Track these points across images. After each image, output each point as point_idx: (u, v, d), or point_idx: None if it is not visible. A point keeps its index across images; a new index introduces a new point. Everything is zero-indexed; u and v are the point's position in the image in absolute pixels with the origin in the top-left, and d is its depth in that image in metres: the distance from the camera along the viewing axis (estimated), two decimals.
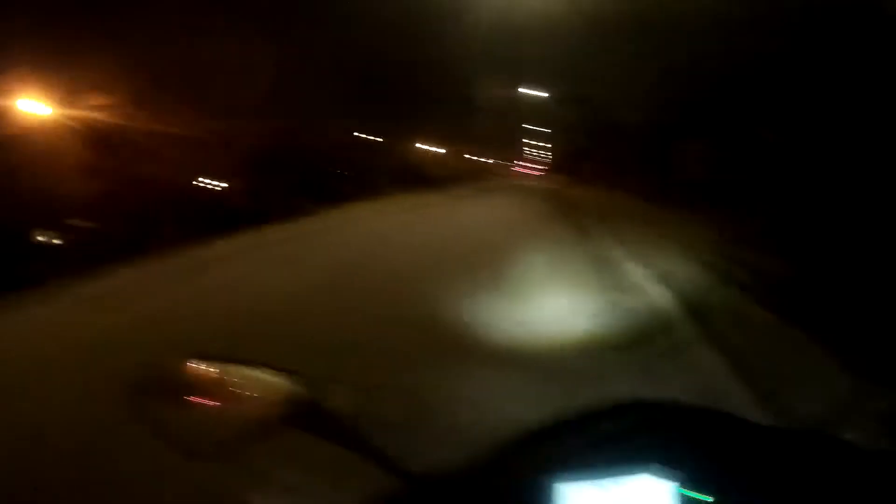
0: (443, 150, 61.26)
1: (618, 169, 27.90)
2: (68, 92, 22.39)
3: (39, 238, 27.13)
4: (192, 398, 1.11)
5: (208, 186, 34.13)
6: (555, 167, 60.26)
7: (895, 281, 6.41)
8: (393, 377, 5.74)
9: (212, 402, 1.11)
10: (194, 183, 32.47)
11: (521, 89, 45.76)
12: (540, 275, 10.75)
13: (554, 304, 8.49)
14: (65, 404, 6.63)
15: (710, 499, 1.00)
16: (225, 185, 34.41)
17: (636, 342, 6.70)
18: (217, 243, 19.02)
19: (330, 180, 41.97)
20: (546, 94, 44.74)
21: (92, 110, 22.95)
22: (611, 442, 1.15)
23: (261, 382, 1.11)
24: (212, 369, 1.13)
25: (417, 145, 55.42)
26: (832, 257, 7.94)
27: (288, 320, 8.23)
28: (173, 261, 17.76)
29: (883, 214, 8.98)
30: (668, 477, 1.01)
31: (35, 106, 22.42)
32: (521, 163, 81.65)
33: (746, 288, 7.91)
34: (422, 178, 55.00)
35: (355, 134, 47.10)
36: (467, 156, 71.78)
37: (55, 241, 26.80)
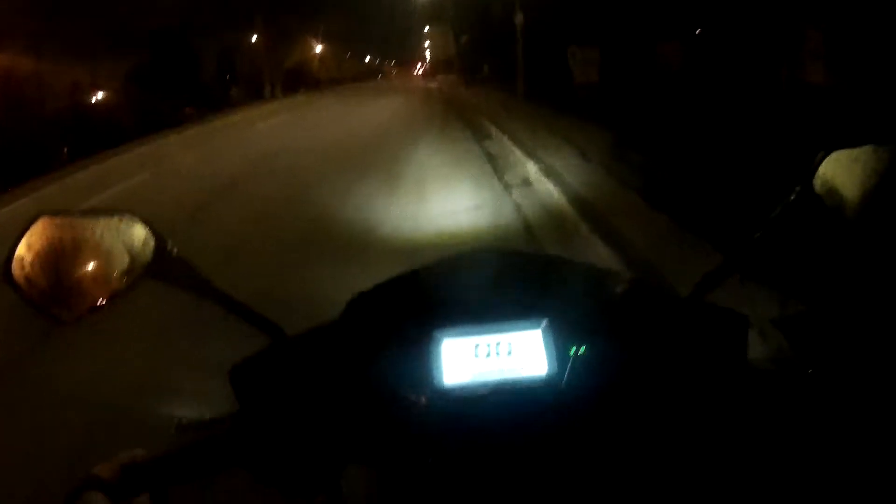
0: (326, 51, 60.81)
1: (508, 70, 27.88)
2: None
3: None
4: (46, 257, 0.99)
5: (91, 102, 33.03)
6: (442, 68, 59.98)
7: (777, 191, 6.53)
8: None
9: (66, 259, 1.00)
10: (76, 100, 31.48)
11: None
12: (428, 171, 10.80)
13: (441, 199, 8.54)
14: None
15: (575, 348, 1.01)
16: (107, 98, 33.33)
17: (526, 233, 6.79)
18: (108, 156, 18.41)
19: (216, 88, 41.32)
20: None
21: None
22: (480, 291, 1.11)
23: (120, 232, 1.00)
24: (66, 221, 1.01)
25: (301, 47, 54.92)
26: (717, 160, 8.11)
27: (189, 222, 8.08)
28: (66, 178, 17.21)
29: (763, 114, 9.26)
30: (536, 327, 1.02)
31: None
32: (406, 63, 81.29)
33: (637, 188, 7.94)
34: (306, 79, 54.89)
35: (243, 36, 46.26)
36: (351, 56, 71.36)
37: None
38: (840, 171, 0.98)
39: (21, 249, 0.98)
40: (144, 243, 1.00)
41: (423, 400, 1.02)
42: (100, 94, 32.98)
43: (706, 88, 12.53)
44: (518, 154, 11.12)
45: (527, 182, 9.24)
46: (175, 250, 1.01)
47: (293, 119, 25.03)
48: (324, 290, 4.81)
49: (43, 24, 27.36)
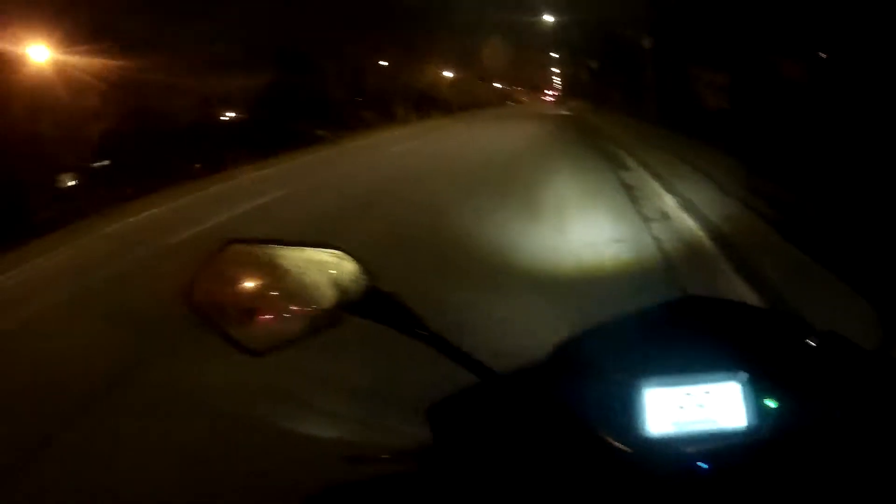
0: (456, 75, 61.23)
1: (635, 95, 27.67)
2: (71, 36, 22.57)
3: (58, 182, 27.73)
4: (241, 286, 1.04)
5: (222, 118, 34.37)
6: (570, 93, 59.72)
7: None
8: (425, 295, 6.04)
9: (263, 289, 1.04)
10: (207, 115, 32.77)
11: (535, 15, 45.37)
12: (566, 200, 10.90)
13: (581, 230, 8.68)
14: (102, 333, 7.08)
15: (774, 402, 1.00)
16: (238, 115, 34.64)
17: (665, 269, 6.81)
18: (241, 173, 19.09)
19: (346, 107, 42.12)
20: (558, 19, 44.35)
21: (96, 54, 23.24)
22: (680, 342, 1.10)
23: (317, 263, 1.03)
24: (261, 250, 1.04)
25: (431, 70, 55.45)
26: (854, 192, 8.04)
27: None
28: (199, 192, 17.96)
29: None
30: (735, 379, 1.02)
31: (42, 52, 22.53)
32: (535, 88, 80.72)
33: (771, 221, 7.97)
34: (438, 103, 55.23)
35: (370, 59, 47.07)
36: (481, 81, 71.39)
37: (72, 183, 27.39)
38: None
39: (208, 276, 1.01)
40: (355, 280, 1.01)
41: (629, 449, 1.01)
42: (231, 112, 34.22)
43: (839, 115, 12.24)
44: (654, 185, 11.24)
45: (665, 216, 9.29)
46: (388, 288, 1.02)
47: (427, 143, 25.38)
48: (469, 318, 5.11)
49: (175, 35, 28.54)
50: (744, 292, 5.78)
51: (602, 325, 1.17)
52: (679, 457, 0.99)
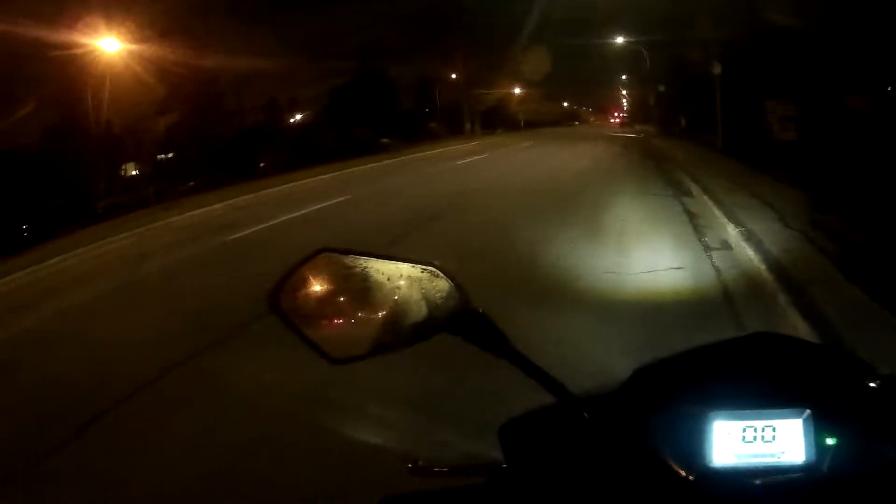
0: (524, 92, 61.11)
1: (702, 122, 27.58)
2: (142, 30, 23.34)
3: (126, 172, 28.66)
4: (329, 294, 1.06)
5: (291, 121, 34.98)
6: (637, 117, 59.47)
7: None
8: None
9: (350, 299, 1.06)
10: (275, 117, 33.40)
11: (608, 37, 45.43)
12: (629, 225, 11.04)
13: (642, 255, 8.78)
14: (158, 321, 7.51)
15: (834, 440, 1.01)
16: (305, 119, 35.22)
17: (723, 299, 6.88)
18: (311, 175, 19.36)
19: (414, 119, 42.39)
20: (629, 41, 44.37)
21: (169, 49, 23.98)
22: (751, 375, 1.13)
23: (409, 278, 1.04)
24: (352, 261, 1.05)
25: (500, 86, 55.50)
26: None
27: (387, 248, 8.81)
28: (262, 191, 18.22)
29: None
30: (799, 416, 1.04)
31: (112, 44, 23.15)
32: (603, 110, 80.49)
33: (833, 257, 7.95)
34: (505, 119, 55.24)
35: (440, 72, 47.25)
36: (549, 99, 71.35)
37: (138, 173, 28.27)
38: None
39: (296, 282, 1.02)
40: (447, 298, 1.02)
41: (693, 477, 1.02)
42: (298, 116, 34.83)
43: None
44: (718, 214, 11.23)
45: (727, 245, 9.35)
46: (481, 309, 1.03)
47: (492, 158, 25.54)
48: (530, 338, 4.92)
49: (252, 36, 29.25)
50: (800, 328, 5.79)
51: (675, 355, 1.19)
52: (740, 488, 1.02)
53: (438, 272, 1.04)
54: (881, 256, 7.50)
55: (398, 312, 1.02)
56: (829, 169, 13.19)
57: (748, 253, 8.60)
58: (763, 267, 7.88)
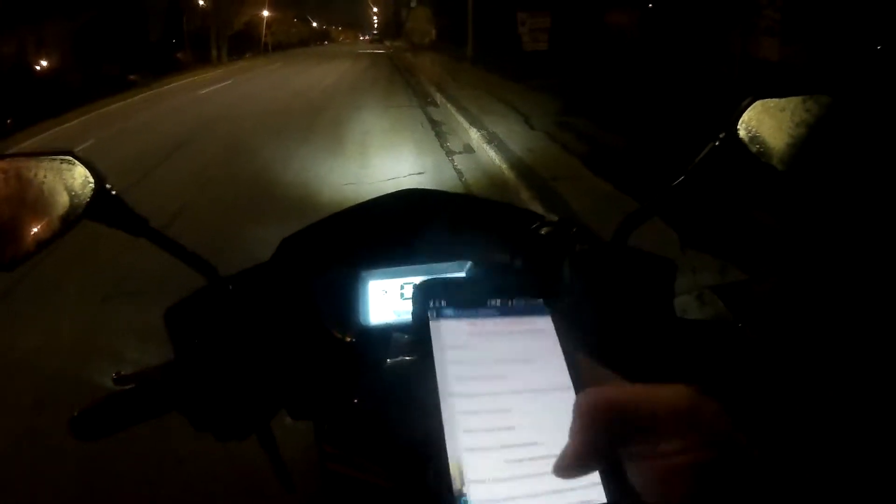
0: (273, 15, 59.92)
1: (457, 35, 27.73)
2: None
3: None
4: None
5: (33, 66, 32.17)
6: (387, 33, 59.68)
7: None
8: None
9: (11, 203, 0.96)
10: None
11: None
12: (371, 136, 10.73)
13: (383, 164, 8.54)
14: None
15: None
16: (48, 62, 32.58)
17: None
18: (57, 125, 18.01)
19: (162, 50, 40.53)
20: None
21: None
22: (405, 232, 1.13)
23: (61, 173, 0.98)
24: (5, 165, 0.97)
25: (248, 10, 53.92)
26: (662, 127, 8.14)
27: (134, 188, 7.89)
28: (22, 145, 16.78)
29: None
30: (459, 268, 1.08)
31: None
32: (352, 27, 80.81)
33: (578, 154, 8.01)
34: (253, 43, 54.09)
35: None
36: (298, 21, 70.48)
37: None
38: (766, 118, 0.96)
39: None
40: (84, 184, 0.98)
41: (351, 339, 1.05)
42: (45, 61, 32.23)
43: (654, 61, 12.64)
44: (461, 121, 11.05)
45: (469, 149, 9.23)
46: (114, 191, 0.99)
47: (236, 84, 24.69)
48: (264, 250, 4.80)
49: None
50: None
51: (322, 220, 1.17)
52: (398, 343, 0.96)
53: (74, 160, 0.95)
54: (628, 153, 7.58)
55: (47, 206, 0.96)
56: (579, 78, 13.44)
57: (490, 154, 8.42)
58: (505, 166, 7.70)
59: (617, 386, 0.48)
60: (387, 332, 0.99)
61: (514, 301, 0.58)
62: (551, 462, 0.46)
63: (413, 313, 0.54)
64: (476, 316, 0.56)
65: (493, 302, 0.57)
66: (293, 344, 1.06)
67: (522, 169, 7.44)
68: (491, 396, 0.50)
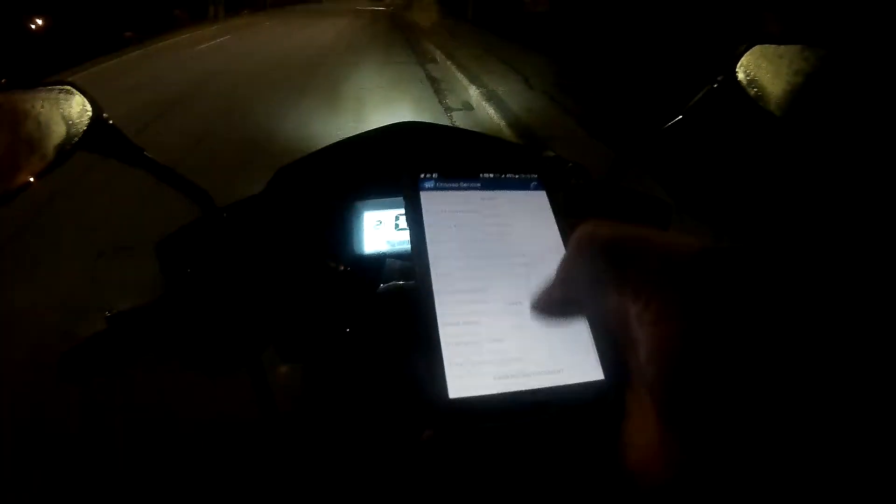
0: None
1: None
2: None
3: None
4: None
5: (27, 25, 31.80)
6: None
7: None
8: None
9: (7, 133, 0.95)
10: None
11: None
12: (369, 92, 10.65)
13: (380, 119, 8.36)
14: None
15: None
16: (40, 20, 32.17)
17: None
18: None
19: (158, 6, 40.09)
20: None
21: None
22: (391, 164, 1.02)
23: (59, 103, 0.98)
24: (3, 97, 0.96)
25: None
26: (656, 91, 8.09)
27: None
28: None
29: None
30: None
31: None
32: None
33: (574, 114, 7.99)
34: (253, 2, 53.56)
35: None
36: None
37: None
38: (765, 64, 0.96)
39: None
40: (82, 112, 0.99)
41: (344, 267, 1.05)
42: (39, 20, 31.84)
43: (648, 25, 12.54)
44: (461, 79, 10.97)
45: (468, 106, 9.18)
46: (110, 120, 0.99)
47: (235, 40, 24.52)
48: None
49: None
50: None
51: (318, 150, 1.19)
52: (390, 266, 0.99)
53: (72, 89, 0.97)
54: (627, 116, 7.45)
55: (43, 136, 0.95)
56: (582, 39, 13.34)
57: (489, 112, 8.36)
58: (503, 124, 7.65)
59: (619, 224, 0.44)
60: (380, 259, 1.02)
61: (508, 175, 0.56)
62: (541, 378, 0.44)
63: (403, 184, 0.53)
64: (467, 188, 0.54)
65: (485, 175, 0.55)
66: (286, 273, 1.06)
67: (520, 127, 7.39)
68: (478, 286, 0.48)
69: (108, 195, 5.46)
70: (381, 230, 1.10)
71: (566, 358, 0.45)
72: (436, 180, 0.54)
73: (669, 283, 0.38)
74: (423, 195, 0.52)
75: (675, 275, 0.39)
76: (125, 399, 2.85)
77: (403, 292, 0.96)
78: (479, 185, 0.55)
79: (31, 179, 0.92)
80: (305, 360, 1.11)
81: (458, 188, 0.54)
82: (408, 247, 0.98)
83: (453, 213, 0.52)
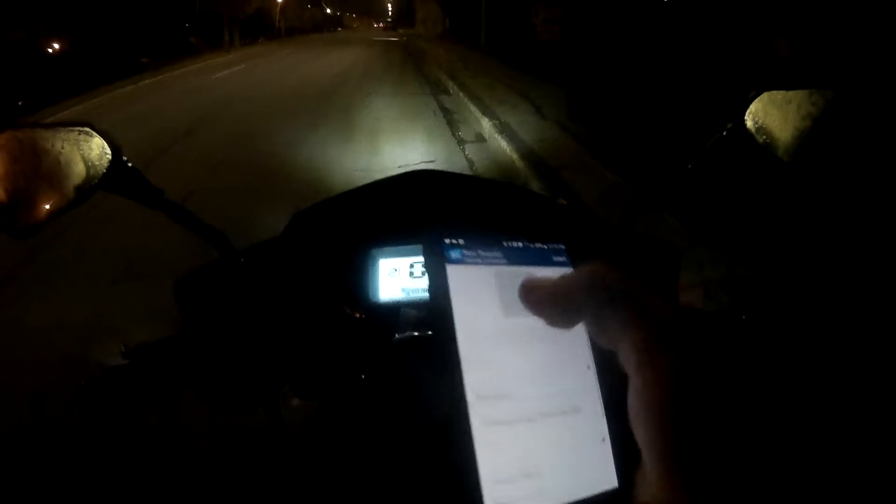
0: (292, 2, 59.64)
1: (471, 24, 27.64)
2: None
3: None
4: (8, 173, 0.97)
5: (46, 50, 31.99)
6: (400, 21, 59.40)
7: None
8: None
9: (28, 172, 0.98)
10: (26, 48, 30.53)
11: None
12: (382, 123, 10.68)
13: (394, 151, 8.54)
14: None
15: None
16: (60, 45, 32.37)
17: None
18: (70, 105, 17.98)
19: (174, 34, 40.34)
20: None
21: None
22: (417, 211, 1.12)
23: (78, 144, 0.99)
24: (23, 134, 0.97)
25: None
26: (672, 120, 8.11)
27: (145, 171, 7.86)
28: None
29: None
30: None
31: None
32: (367, 14, 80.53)
33: (586, 143, 7.99)
34: (266, 28, 53.82)
35: None
36: (311, 7, 70.13)
37: None
38: (773, 110, 0.97)
39: None
40: (101, 155, 1.00)
41: (360, 315, 1.06)
42: (56, 44, 32.05)
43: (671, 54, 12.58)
44: (473, 110, 11.01)
45: (481, 138, 9.21)
46: (130, 163, 1.00)
47: (249, 68, 24.59)
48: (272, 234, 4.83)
49: None
50: None
51: (336, 197, 1.18)
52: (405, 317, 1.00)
53: (91, 131, 0.97)
54: (641, 145, 7.46)
55: (63, 176, 0.97)
56: (592, 68, 13.39)
57: (501, 144, 8.37)
58: (516, 156, 7.66)
59: (622, 276, 0.45)
60: (395, 308, 1.03)
61: (536, 244, 0.54)
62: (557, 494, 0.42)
63: (425, 253, 0.47)
64: (492, 262, 0.50)
65: (511, 244, 0.51)
66: (302, 318, 1.07)
67: (532, 158, 7.42)
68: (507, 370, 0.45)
69: (124, 222, 5.50)
70: (396, 277, 1.10)
71: (581, 465, 0.45)
72: (462, 248, 0.48)
73: (661, 348, 0.41)
74: (450, 269, 0.47)
75: (665, 340, 0.41)
76: (139, 430, 2.88)
77: (418, 343, 0.97)
78: (504, 259, 0.50)
79: (49, 217, 0.95)
80: (320, 399, 1.12)
81: (484, 262, 0.49)
82: (422, 295, 1.07)
83: (481, 292, 0.48)
